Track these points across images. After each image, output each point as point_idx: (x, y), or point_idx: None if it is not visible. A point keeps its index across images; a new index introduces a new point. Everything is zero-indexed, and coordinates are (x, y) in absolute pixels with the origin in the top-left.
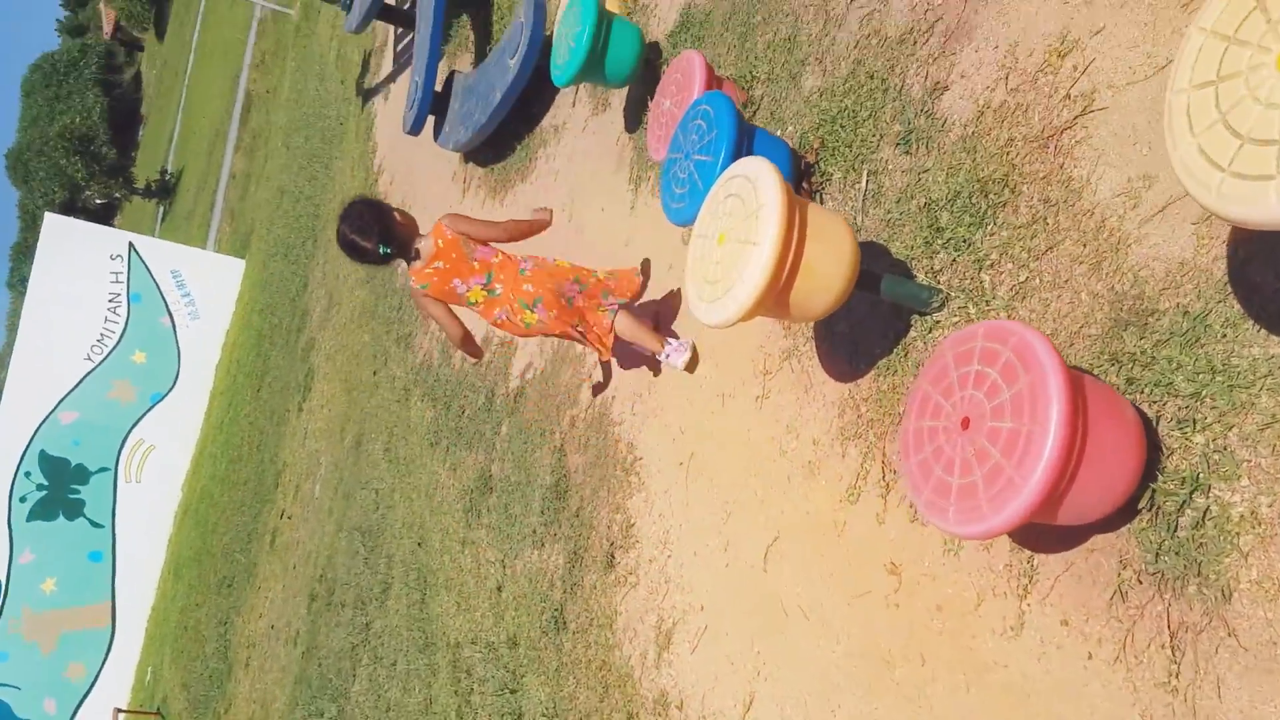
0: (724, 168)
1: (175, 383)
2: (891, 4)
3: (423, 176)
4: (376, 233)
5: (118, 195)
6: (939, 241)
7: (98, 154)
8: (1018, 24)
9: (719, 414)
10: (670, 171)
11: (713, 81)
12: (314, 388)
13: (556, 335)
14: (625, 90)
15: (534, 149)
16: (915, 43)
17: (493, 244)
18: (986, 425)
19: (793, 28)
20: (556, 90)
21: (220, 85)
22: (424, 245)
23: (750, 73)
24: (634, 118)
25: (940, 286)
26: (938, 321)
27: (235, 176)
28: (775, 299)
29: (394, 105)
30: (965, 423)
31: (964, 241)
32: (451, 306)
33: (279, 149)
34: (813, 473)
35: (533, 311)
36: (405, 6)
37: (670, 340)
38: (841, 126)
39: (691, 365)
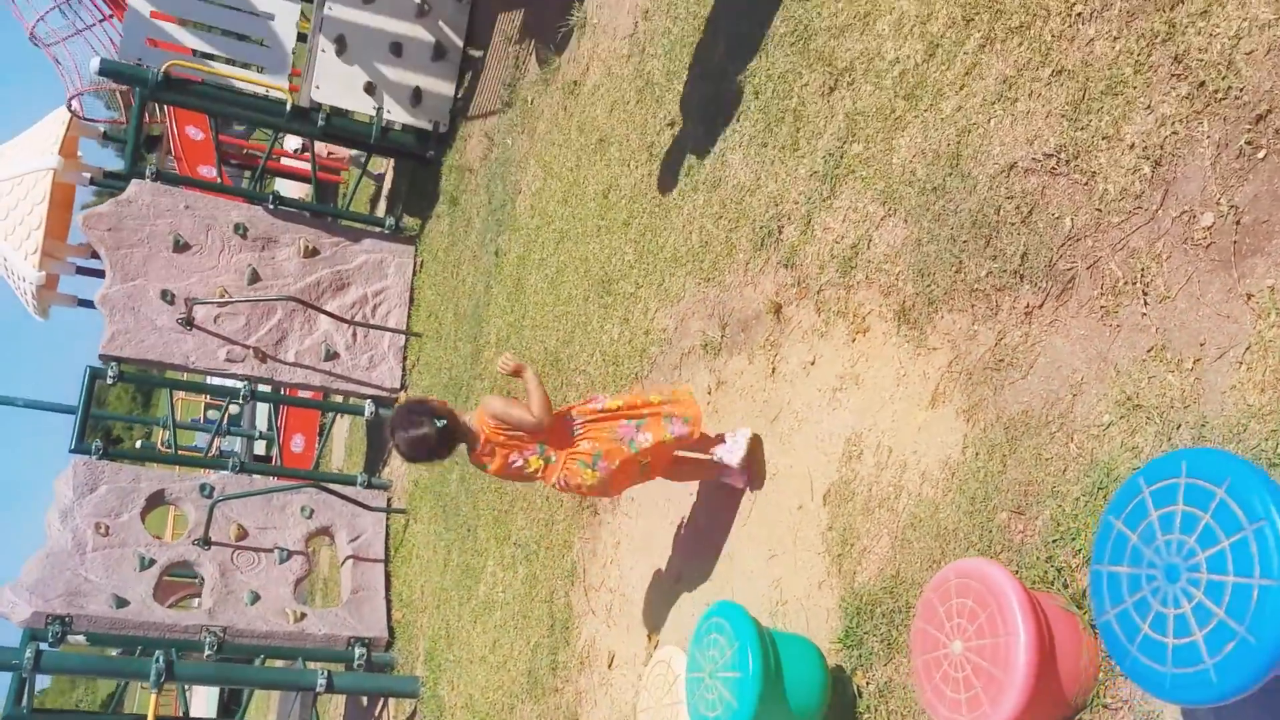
0: None
1: None
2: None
3: None
4: (428, 417)
5: None
6: None
7: None
8: None
9: None
10: (1139, 632)
11: (1033, 598)
12: None
13: (622, 491)
14: None
15: None
16: None
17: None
18: None
19: (1093, 473)
20: None
21: None
22: (473, 425)
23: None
24: None
25: None
26: None
27: None
28: None
29: None
30: None
31: None
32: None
33: None
34: None
35: (593, 470)
36: None
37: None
38: None
39: (748, 456)
